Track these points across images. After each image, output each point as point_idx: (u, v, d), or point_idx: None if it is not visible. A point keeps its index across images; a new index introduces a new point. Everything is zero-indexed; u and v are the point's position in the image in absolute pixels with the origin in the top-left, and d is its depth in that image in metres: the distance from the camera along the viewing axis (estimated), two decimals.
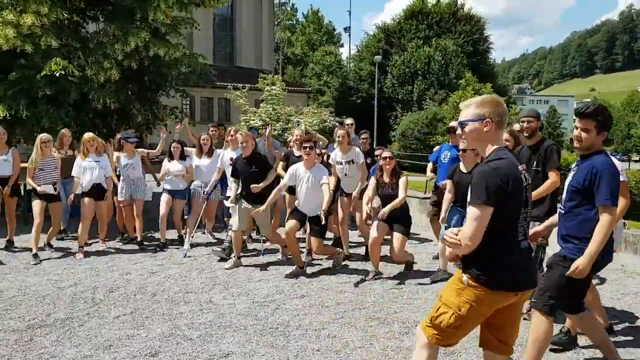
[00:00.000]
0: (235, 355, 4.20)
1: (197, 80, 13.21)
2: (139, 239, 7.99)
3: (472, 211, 2.58)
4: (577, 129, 3.58)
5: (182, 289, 5.96)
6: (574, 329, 4.24)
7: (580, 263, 3.38)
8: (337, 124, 19.02)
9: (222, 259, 7.20)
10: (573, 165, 3.76)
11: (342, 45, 55.54)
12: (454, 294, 2.72)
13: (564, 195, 3.68)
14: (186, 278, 6.42)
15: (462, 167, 5.98)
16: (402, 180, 6.31)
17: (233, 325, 4.85)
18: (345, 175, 7.23)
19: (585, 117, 3.55)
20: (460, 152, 5.99)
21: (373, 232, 6.33)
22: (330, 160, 7.40)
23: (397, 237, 6.22)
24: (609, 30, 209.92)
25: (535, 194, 4.49)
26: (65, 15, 9.98)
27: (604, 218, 3.36)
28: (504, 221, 2.61)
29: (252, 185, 6.78)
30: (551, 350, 4.14)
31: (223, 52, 34.07)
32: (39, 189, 7.29)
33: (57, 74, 9.10)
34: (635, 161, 51.69)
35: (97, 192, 7.57)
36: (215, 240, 8.49)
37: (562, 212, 3.67)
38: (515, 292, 2.68)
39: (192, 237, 7.98)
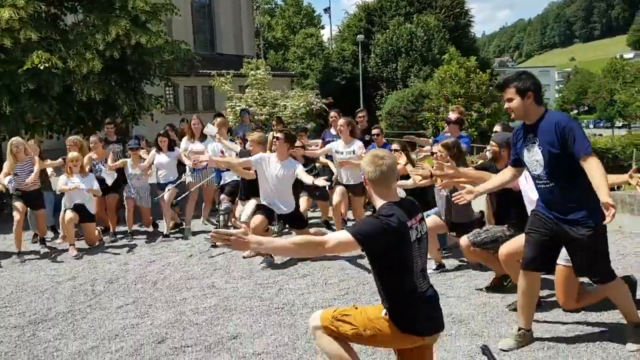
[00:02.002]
0: (244, 337, 4.16)
1: (181, 68, 12.99)
2: (129, 231, 7.91)
3: (344, 233, 2.68)
4: (505, 103, 3.58)
5: (183, 276, 5.90)
6: None
7: (609, 202, 3.10)
8: (323, 105, 18.96)
9: (215, 245, 7.09)
10: (520, 140, 3.65)
11: (322, 27, 55.08)
12: (368, 316, 2.83)
13: (538, 170, 3.54)
14: (186, 265, 6.35)
15: None
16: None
17: (238, 308, 4.81)
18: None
19: (502, 89, 3.57)
20: None
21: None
22: (328, 147, 7.24)
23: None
24: None
25: None
26: (43, 7, 9.75)
27: (592, 162, 3.23)
28: (399, 270, 2.72)
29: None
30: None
31: (203, 39, 33.58)
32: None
33: (41, 67, 8.86)
34: (619, 127, 52.18)
35: (81, 213, 7.23)
36: (214, 226, 8.36)
37: (547, 184, 3.54)
38: (421, 337, 2.78)
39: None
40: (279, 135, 6.13)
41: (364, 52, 31.96)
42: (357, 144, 6.86)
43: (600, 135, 30.22)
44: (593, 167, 3.23)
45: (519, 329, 3.82)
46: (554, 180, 3.50)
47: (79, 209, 7.20)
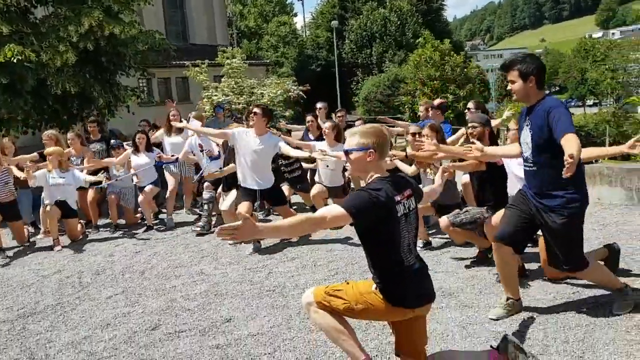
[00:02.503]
0: (238, 320, 4.18)
1: (156, 58, 12.84)
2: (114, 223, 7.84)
3: (336, 207, 2.65)
4: (509, 84, 3.64)
5: (170, 265, 5.88)
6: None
7: (569, 154, 3.00)
8: (300, 92, 18.89)
9: (200, 234, 7.08)
10: (520, 118, 3.76)
11: (295, 15, 54.85)
12: (360, 291, 2.85)
13: (527, 152, 3.62)
14: (172, 254, 6.33)
15: None
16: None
17: (229, 293, 4.82)
18: (327, 166, 6.87)
19: (507, 70, 3.62)
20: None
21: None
22: (314, 144, 7.16)
23: None
24: None
25: None
26: (13, 0, 9.54)
27: (571, 137, 3.15)
28: (387, 244, 2.75)
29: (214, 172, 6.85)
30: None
31: (175, 30, 33.10)
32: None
33: (14, 60, 8.68)
34: (590, 106, 52.98)
35: (63, 209, 7.12)
36: (197, 216, 8.32)
37: (532, 167, 3.61)
38: (413, 308, 2.82)
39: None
40: (256, 110, 6.08)
41: (339, 39, 31.94)
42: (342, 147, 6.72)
43: (572, 114, 30.68)
44: (569, 140, 3.16)
45: (508, 299, 3.90)
46: (538, 164, 3.56)
47: (61, 204, 7.10)
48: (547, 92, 3.68)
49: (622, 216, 6.44)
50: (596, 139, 19.84)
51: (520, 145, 3.79)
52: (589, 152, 4.09)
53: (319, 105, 8.68)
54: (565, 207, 3.48)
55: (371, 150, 2.77)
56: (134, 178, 7.72)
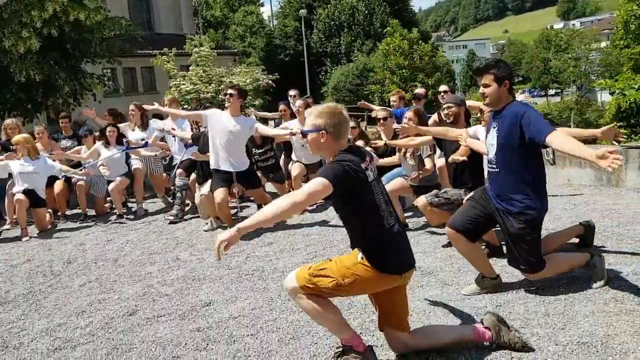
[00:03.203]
0: (218, 303, 4.12)
1: (122, 45, 12.55)
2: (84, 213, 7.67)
3: (314, 180, 2.67)
4: (481, 87, 3.63)
5: (144, 252, 5.77)
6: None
7: (600, 154, 2.88)
8: (269, 81, 18.75)
9: (173, 222, 6.97)
10: (488, 122, 3.80)
11: (262, 5, 54.32)
12: (345, 265, 2.83)
13: (491, 154, 3.66)
14: (146, 242, 6.21)
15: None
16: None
17: (207, 277, 4.75)
18: (303, 145, 6.81)
19: (481, 73, 3.60)
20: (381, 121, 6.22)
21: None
22: (285, 125, 7.13)
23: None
24: None
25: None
26: None
27: (557, 135, 3.18)
28: (366, 210, 2.77)
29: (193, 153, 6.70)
30: None
31: (140, 19, 32.46)
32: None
33: None
34: (552, 95, 54.06)
35: (31, 198, 6.90)
36: (169, 203, 8.16)
37: (495, 169, 3.65)
38: (400, 274, 2.85)
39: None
40: (231, 91, 6.02)
41: (307, 28, 31.79)
42: None
43: (535, 103, 31.31)
44: (561, 141, 3.16)
45: (483, 276, 3.94)
46: (500, 167, 3.60)
47: (29, 193, 6.88)
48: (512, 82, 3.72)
49: (592, 196, 6.57)
50: (559, 126, 20.33)
51: (486, 146, 3.85)
52: (574, 132, 4.16)
53: (291, 92, 8.58)
54: (522, 212, 3.53)
55: (323, 131, 2.78)
56: (104, 171, 7.47)
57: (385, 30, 26.04)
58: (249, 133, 6.05)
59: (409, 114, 5.47)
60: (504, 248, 4.13)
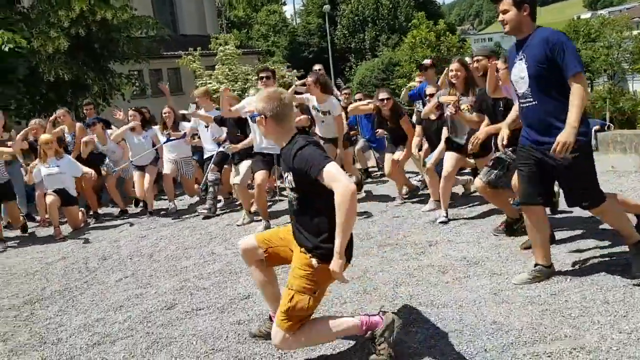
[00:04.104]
0: (257, 296, 3.99)
1: (150, 44, 12.55)
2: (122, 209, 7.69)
3: (328, 169, 2.57)
4: (500, 15, 3.42)
5: (179, 247, 5.70)
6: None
7: (564, 137, 3.15)
8: (296, 78, 18.63)
9: (207, 217, 6.89)
10: (510, 56, 3.55)
11: (284, 4, 54.33)
12: (305, 279, 2.73)
13: (523, 88, 3.42)
14: (180, 237, 6.14)
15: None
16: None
17: (244, 271, 4.62)
18: (323, 122, 6.63)
19: (498, 0, 3.40)
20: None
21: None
22: (302, 97, 6.92)
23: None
24: None
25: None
26: None
27: (576, 86, 3.16)
28: (328, 200, 2.59)
29: (230, 146, 6.53)
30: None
31: (164, 21, 32.62)
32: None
33: (5, 49, 8.39)
34: None
35: (63, 197, 6.87)
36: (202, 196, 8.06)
37: (531, 102, 3.41)
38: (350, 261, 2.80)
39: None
40: (265, 74, 5.92)
41: (330, 25, 31.62)
42: (331, 101, 6.42)
43: None
44: (576, 92, 3.16)
45: (536, 265, 3.74)
46: (537, 97, 3.37)
47: (60, 193, 6.86)
48: None
49: (638, 182, 6.28)
50: (594, 117, 19.84)
51: (512, 84, 3.60)
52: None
53: (316, 67, 8.19)
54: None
55: (262, 116, 2.76)
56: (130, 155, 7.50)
57: (410, 24, 25.72)
58: None
59: (454, 65, 5.22)
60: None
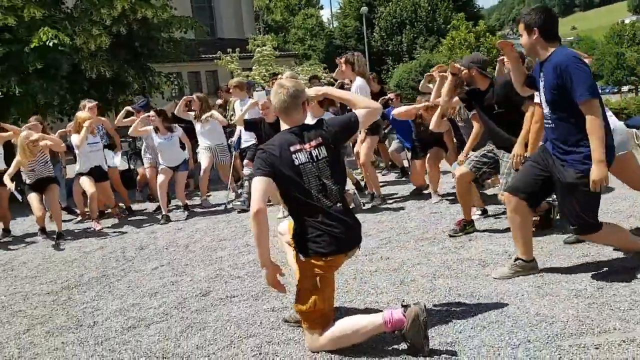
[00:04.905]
0: (291, 285, 3.90)
1: (189, 43, 12.69)
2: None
3: (254, 182, 2.78)
4: None
5: (214, 239, 5.70)
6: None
7: (596, 175, 3.13)
8: (331, 79, 18.65)
9: (243, 210, 6.88)
10: (535, 70, 3.54)
11: (321, 7, 54.52)
12: (304, 280, 2.83)
13: (545, 109, 3.42)
14: (215, 229, 6.14)
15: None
16: None
17: (279, 262, 4.48)
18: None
19: (517, 24, 3.46)
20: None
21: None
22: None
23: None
24: None
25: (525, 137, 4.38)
26: None
27: (590, 116, 3.11)
28: (294, 196, 2.80)
29: None
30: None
31: (203, 25, 33.21)
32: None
33: (50, 44, 8.59)
34: (625, 92, 51.26)
35: (96, 173, 6.97)
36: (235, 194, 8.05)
37: (549, 124, 3.42)
38: (344, 253, 2.86)
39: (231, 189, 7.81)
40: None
41: (367, 27, 31.54)
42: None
43: (608, 100, 29.85)
44: (590, 123, 3.12)
45: (516, 259, 3.68)
46: (554, 121, 3.36)
47: (95, 170, 6.97)
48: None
49: None
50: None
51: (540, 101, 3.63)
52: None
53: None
54: (582, 162, 3.22)
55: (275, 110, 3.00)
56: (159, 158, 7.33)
57: (449, 27, 25.43)
58: None
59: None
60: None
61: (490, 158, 4.77)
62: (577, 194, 3.30)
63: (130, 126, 7.35)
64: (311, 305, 2.76)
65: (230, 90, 7.58)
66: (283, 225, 3.26)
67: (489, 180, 6.04)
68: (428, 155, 6.34)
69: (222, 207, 7.33)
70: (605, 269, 3.60)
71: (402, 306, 2.73)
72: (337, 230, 2.79)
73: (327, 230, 2.77)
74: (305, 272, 2.82)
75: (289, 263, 3.22)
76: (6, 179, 6.27)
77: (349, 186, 6.92)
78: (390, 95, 8.24)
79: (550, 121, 3.41)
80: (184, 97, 7.70)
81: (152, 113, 7.19)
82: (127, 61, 10.78)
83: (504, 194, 3.84)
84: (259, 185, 2.73)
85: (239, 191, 7.51)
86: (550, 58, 3.29)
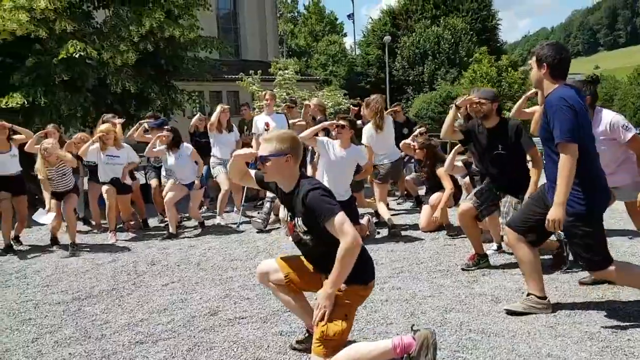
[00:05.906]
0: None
1: (213, 63, 12.87)
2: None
3: (338, 221, 2.63)
4: None
5: (226, 258, 5.70)
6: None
7: (551, 215, 3.16)
8: (351, 106, 18.75)
9: (261, 231, 6.90)
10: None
11: (345, 35, 55.08)
12: (337, 309, 2.73)
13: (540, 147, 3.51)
14: (228, 249, 6.15)
15: None
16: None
17: None
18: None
19: (531, 56, 3.48)
20: None
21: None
22: None
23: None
24: (610, 7, 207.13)
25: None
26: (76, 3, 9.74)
27: (562, 157, 3.12)
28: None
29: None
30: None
31: (228, 46, 33.69)
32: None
33: (77, 55, 8.77)
34: None
35: (118, 185, 7.02)
36: (245, 216, 8.08)
37: (545, 164, 3.45)
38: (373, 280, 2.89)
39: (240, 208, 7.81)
40: (342, 122, 5.81)
41: (390, 56, 31.78)
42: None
43: None
44: (561, 164, 3.13)
45: (528, 294, 3.67)
46: (546, 159, 3.39)
47: (116, 182, 7.03)
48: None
49: None
50: None
51: None
52: None
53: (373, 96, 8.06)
54: (569, 205, 3.19)
55: (289, 155, 2.79)
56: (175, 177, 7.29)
57: (471, 59, 25.49)
58: (355, 163, 5.93)
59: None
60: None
61: (492, 193, 4.80)
62: (575, 236, 3.30)
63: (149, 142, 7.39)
64: (338, 334, 2.71)
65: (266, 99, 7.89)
66: (270, 264, 3.19)
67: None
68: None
69: (235, 226, 7.34)
70: (620, 312, 3.54)
71: (412, 330, 2.72)
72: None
73: (369, 256, 2.88)
74: (342, 301, 2.75)
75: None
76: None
77: (365, 211, 6.93)
78: (421, 130, 7.89)
79: (544, 160, 3.45)
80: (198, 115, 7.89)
81: (165, 133, 7.11)
82: (152, 77, 10.94)
83: (506, 228, 3.86)
84: (345, 218, 2.65)
85: (257, 212, 7.52)
86: (549, 96, 3.29)
